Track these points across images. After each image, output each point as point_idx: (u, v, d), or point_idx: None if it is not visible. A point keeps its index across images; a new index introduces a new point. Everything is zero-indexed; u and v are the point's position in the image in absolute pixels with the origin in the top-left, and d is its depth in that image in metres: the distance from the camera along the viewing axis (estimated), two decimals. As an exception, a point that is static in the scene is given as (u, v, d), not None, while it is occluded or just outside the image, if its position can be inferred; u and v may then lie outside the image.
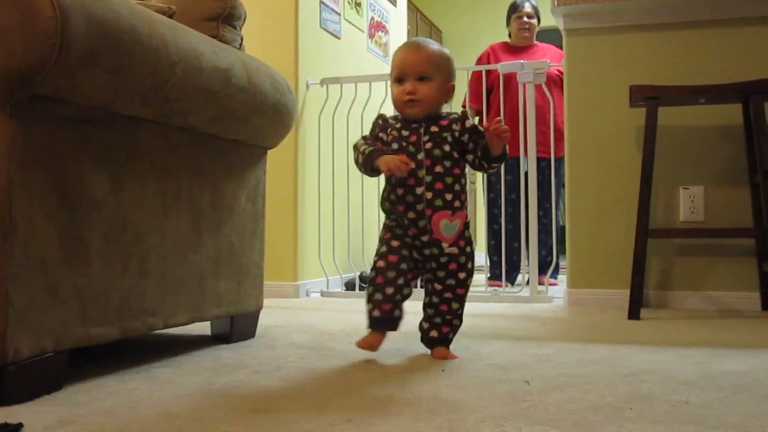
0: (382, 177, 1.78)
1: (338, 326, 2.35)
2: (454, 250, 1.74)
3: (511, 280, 4.02)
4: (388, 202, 1.76)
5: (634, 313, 2.58)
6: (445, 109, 1.83)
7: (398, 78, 1.74)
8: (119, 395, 1.35)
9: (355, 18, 4.39)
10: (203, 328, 2.16)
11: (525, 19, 4.24)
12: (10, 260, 1.24)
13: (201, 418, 1.18)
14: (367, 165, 1.72)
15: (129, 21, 1.41)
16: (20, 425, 1.12)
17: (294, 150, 3.59)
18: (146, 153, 1.59)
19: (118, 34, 1.37)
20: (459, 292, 1.77)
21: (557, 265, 4.00)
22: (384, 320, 1.70)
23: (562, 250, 3.48)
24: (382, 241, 1.77)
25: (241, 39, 2.02)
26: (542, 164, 3.86)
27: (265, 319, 2.32)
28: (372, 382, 1.47)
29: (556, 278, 4.08)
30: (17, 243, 1.25)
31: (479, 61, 4.19)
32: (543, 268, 3.64)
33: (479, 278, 4.08)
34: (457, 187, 1.72)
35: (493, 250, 4.08)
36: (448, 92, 1.77)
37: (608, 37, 3.08)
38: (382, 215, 1.82)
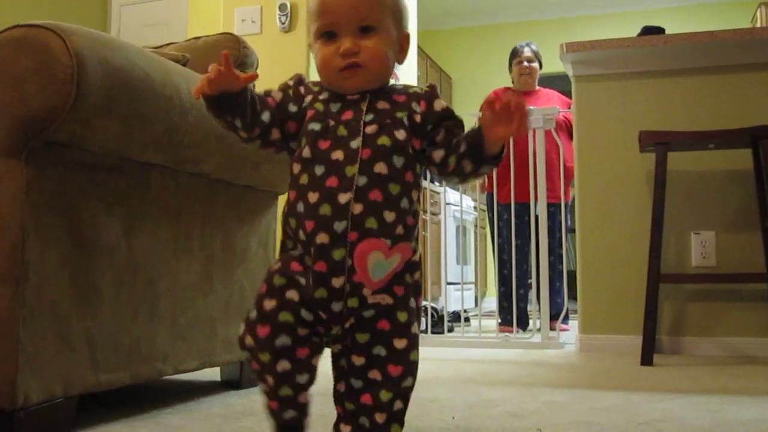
0: None
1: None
2: (386, 299, 1.05)
3: (522, 325, 3.99)
4: (292, 217, 1.07)
5: (647, 359, 2.56)
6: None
7: (326, 32, 1.07)
8: (128, 442, 1.34)
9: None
10: (213, 374, 2.14)
11: (525, 63, 4.30)
12: (22, 305, 1.24)
13: (210, 466, 1.17)
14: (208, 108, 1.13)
15: (143, 69, 1.43)
16: (28, 472, 1.11)
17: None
18: (158, 197, 1.60)
19: (132, 82, 1.39)
20: (393, 372, 1.04)
21: (567, 309, 3.97)
22: (280, 428, 1.08)
23: (572, 296, 3.46)
24: (256, 298, 1.08)
25: (254, 86, 2.04)
26: (551, 209, 3.86)
27: (274, 365, 2.31)
28: (382, 429, 1.45)
29: (567, 323, 4.05)
30: (29, 287, 1.26)
31: (484, 108, 4.22)
32: (559, 316, 3.61)
33: (490, 324, 4.06)
34: (404, 202, 1.05)
35: (503, 296, 4.07)
36: (402, 46, 1.12)
37: (617, 83, 3.11)
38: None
